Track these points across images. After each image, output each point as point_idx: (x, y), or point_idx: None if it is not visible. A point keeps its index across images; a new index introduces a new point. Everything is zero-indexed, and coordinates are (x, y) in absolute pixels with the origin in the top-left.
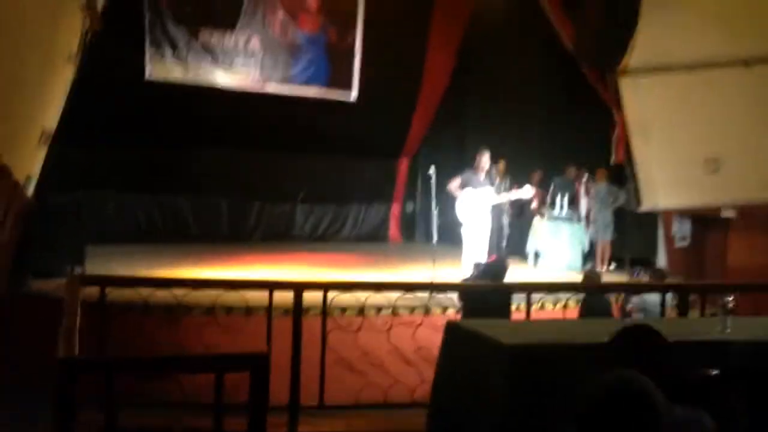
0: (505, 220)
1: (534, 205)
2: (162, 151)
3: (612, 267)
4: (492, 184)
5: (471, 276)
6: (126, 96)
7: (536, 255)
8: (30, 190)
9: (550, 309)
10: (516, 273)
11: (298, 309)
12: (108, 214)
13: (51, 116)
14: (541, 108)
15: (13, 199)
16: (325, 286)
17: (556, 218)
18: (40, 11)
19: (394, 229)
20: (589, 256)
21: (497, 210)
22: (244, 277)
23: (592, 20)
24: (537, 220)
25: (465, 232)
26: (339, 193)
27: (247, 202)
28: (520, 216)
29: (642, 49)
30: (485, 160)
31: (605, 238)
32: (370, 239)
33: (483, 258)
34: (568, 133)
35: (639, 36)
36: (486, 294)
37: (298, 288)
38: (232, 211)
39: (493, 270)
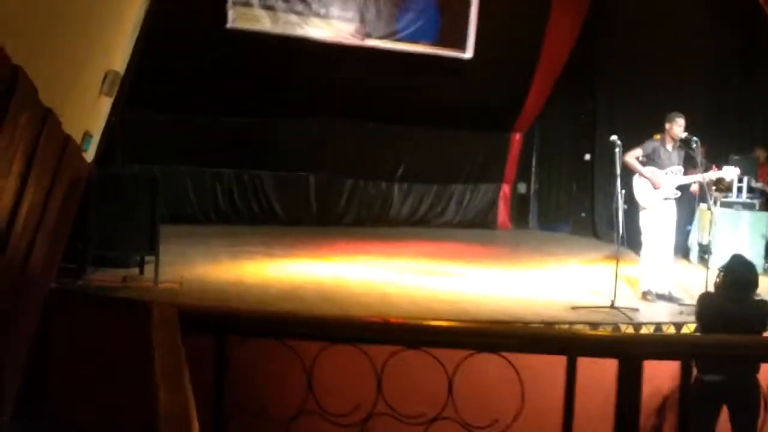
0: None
1: (694, 187)
2: (242, 117)
3: None
4: (684, 161)
5: (717, 283)
6: (202, 48)
7: (703, 249)
8: (90, 154)
9: None
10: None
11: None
12: (181, 190)
13: (118, 58)
14: (706, 75)
15: (65, 162)
16: None
17: (733, 204)
18: None
19: (503, 213)
20: None
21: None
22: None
23: None
24: (704, 207)
25: (646, 222)
26: (442, 171)
27: (338, 179)
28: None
29: None
30: (678, 127)
31: None
32: (477, 225)
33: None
34: (742, 105)
35: None
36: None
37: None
38: (321, 190)
39: (742, 274)
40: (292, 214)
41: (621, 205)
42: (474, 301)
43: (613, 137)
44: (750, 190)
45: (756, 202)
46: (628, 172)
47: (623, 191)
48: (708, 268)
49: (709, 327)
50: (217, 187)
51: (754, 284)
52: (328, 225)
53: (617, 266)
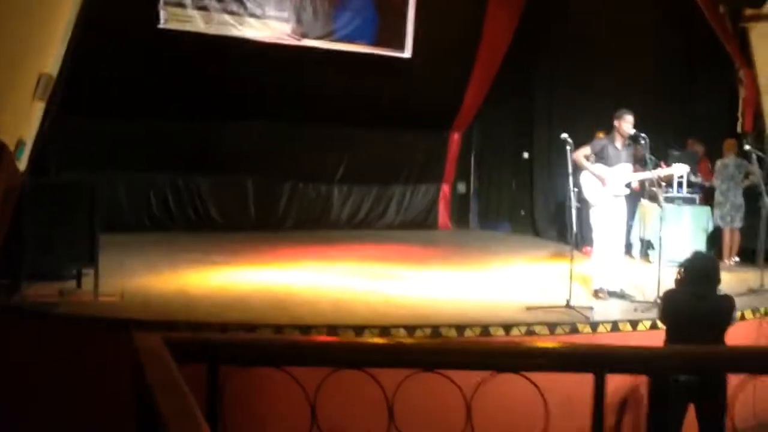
0: None
1: (635, 184)
2: (176, 120)
3: (735, 261)
4: (635, 158)
5: (678, 280)
6: (134, 49)
7: (645, 245)
8: (23, 163)
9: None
10: None
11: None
12: (113, 197)
13: (50, 60)
14: (646, 69)
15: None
16: None
17: (674, 199)
18: None
19: (444, 214)
20: (712, 246)
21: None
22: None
23: None
24: (646, 202)
25: (596, 219)
26: (382, 172)
27: (276, 183)
28: None
29: None
30: (627, 124)
31: (734, 225)
32: (417, 226)
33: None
34: (681, 99)
35: None
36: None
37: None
38: (260, 194)
39: (704, 269)
40: (231, 219)
41: (574, 203)
42: (430, 305)
43: (564, 135)
44: (690, 184)
45: (696, 196)
46: (576, 170)
47: (575, 189)
48: (651, 263)
49: (675, 324)
50: (151, 193)
51: (717, 279)
52: (267, 230)
53: (572, 264)
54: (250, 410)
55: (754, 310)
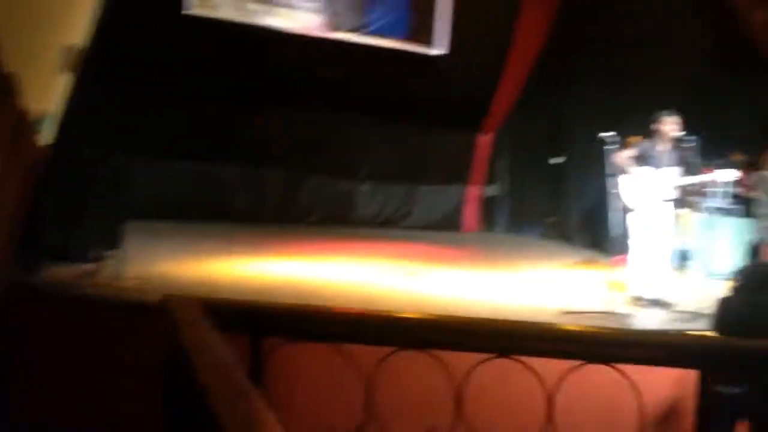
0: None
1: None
2: (200, 108)
3: None
4: (679, 161)
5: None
6: (157, 34)
7: (683, 256)
8: (47, 136)
9: None
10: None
11: None
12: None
13: (76, 32)
14: (682, 73)
15: (19, 142)
16: None
17: (715, 210)
18: None
19: (470, 216)
20: (754, 259)
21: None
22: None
23: None
24: (684, 211)
25: (637, 224)
26: (410, 170)
27: (300, 176)
28: None
29: None
30: (670, 126)
31: None
32: (443, 227)
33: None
34: (721, 105)
35: None
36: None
37: None
38: (283, 187)
39: (759, 278)
40: (253, 210)
41: (614, 207)
42: (463, 305)
43: (603, 135)
44: (732, 195)
45: (736, 207)
46: (617, 173)
47: (615, 192)
48: (687, 274)
49: (730, 334)
50: (173, 182)
51: None
52: (289, 223)
53: (609, 270)
54: (297, 388)
55: None
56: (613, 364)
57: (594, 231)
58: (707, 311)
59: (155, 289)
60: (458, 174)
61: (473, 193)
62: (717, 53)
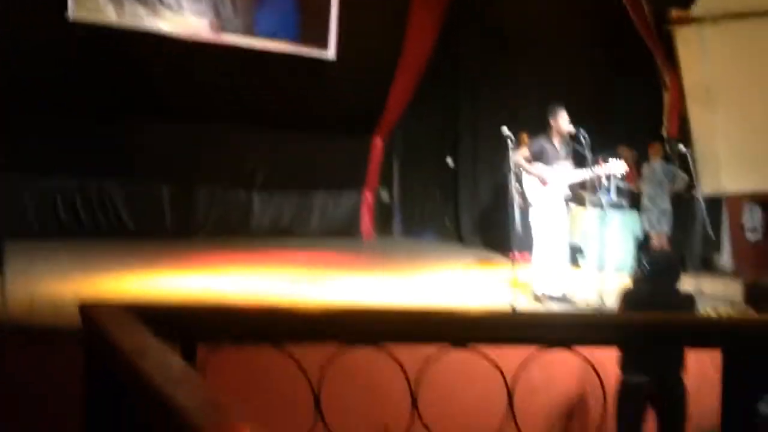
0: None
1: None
2: (85, 120)
3: None
4: (574, 156)
5: (638, 276)
6: (40, 42)
7: (575, 251)
8: None
9: None
10: None
11: None
12: (18, 202)
13: None
14: (571, 71)
15: None
16: None
17: (606, 204)
18: None
19: (366, 222)
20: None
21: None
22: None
23: None
24: (574, 206)
25: (537, 221)
26: (304, 177)
27: (193, 188)
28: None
29: None
30: (563, 122)
31: (661, 230)
32: (340, 234)
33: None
34: (609, 102)
35: None
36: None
37: None
38: (175, 199)
39: (664, 265)
40: (144, 225)
41: (516, 203)
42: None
43: (505, 129)
44: (617, 190)
45: (623, 201)
46: (516, 170)
47: (518, 188)
48: (580, 268)
49: None
50: (57, 198)
51: (678, 275)
52: (184, 237)
53: (514, 268)
54: (240, 397)
55: None
56: (574, 347)
57: (491, 230)
58: (609, 305)
59: (42, 313)
60: (353, 179)
61: (368, 198)
62: (604, 49)
